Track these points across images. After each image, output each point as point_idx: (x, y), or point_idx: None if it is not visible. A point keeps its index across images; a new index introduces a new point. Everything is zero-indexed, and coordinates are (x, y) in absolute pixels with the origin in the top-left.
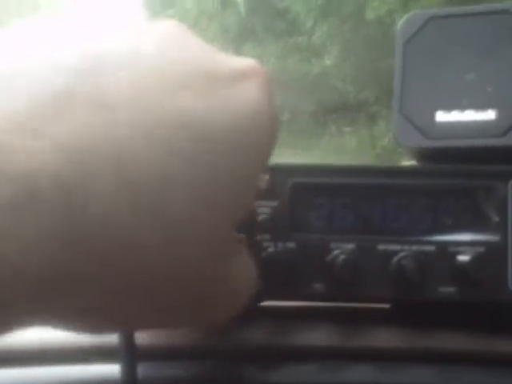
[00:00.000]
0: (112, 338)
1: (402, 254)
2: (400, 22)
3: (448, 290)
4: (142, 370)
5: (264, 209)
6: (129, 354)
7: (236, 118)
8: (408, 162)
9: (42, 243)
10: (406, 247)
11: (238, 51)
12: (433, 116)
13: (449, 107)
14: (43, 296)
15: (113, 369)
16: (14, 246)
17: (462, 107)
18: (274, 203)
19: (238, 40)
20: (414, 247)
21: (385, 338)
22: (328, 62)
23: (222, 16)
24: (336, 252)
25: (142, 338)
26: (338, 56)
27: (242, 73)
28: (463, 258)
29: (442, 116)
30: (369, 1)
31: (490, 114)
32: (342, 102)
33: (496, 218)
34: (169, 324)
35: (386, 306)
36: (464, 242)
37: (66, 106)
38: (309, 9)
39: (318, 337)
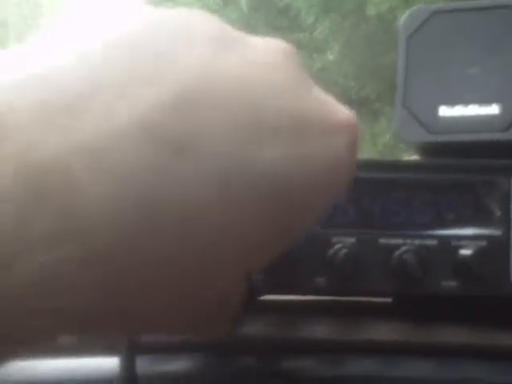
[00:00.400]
0: None
1: (403, 249)
2: (403, 17)
3: (450, 284)
4: (141, 363)
5: None
6: (128, 348)
7: (316, 175)
8: (409, 158)
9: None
10: (407, 241)
11: None
12: (436, 111)
13: (452, 102)
14: (57, 311)
15: (112, 362)
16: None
17: (466, 102)
18: None
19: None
20: (416, 241)
21: (386, 332)
22: (330, 57)
23: (224, 12)
24: (338, 246)
25: None
26: (339, 52)
27: (337, 126)
28: (465, 252)
29: (445, 111)
30: None
31: (493, 109)
32: (343, 98)
33: (498, 213)
34: (172, 331)
35: (388, 299)
36: (466, 236)
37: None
38: (310, 5)
39: (320, 330)
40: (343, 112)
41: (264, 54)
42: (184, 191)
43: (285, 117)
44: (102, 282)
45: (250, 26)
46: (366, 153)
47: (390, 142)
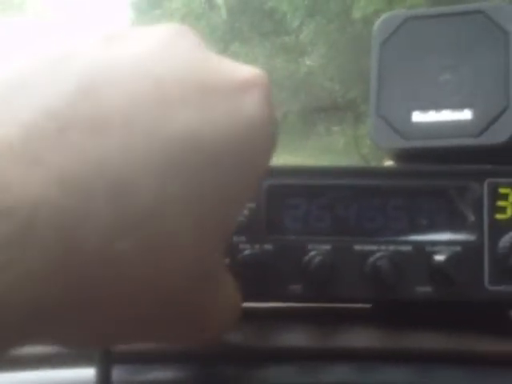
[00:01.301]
0: None
1: (377, 255)
2: (376, 23)
3: (425, 289)
4: (117, 373)
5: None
6: (104, 358)
7: (236, 132)
8: (389, 162)
9: (36, 277)
10: (382, 247)
11: (226, 51)
12: (409, 116)
13: (425, 107)
14: (37, 322)
15: (88, 372)
16: (6, 280)
17: (438, 107)
18: (251, 205)
19: (225, 40)
20: (391, 247)
21: (363, 339)
22: (315, 61)
23: (209, 16)
24: (312, 253)
25: None
26: (325, 55)
27: (244, 84)
28: (440, 257)
29: (418, 116)
30: (355, 0)
31: (465, 114)
32: (329, 101)
33: (472, 218)
34: (157, 340)
35: (365, 305)
36: (440, 241)
37: (63, 131)
38: (295, 8)
39: (297, 338)
40: (249, 71)
41: (158, 36)
42: (110, 167)
43: (188, 85)
44: (70, 292)
45: (234, 29)
46: (352, 155)
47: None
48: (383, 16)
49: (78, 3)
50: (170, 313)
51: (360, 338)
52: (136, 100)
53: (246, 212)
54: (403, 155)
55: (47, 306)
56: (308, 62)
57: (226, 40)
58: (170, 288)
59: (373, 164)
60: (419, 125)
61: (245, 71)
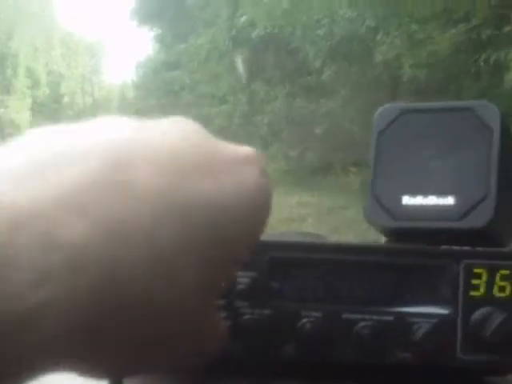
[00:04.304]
0: None
1: (362, 324)
2: (376, 114)
3: (404, 355)
4: None
5: (243, 279)
6: None
7: (239, 196)
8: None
9: (78, 307)
10: (366, 317)
11: (246, 89)
12: (400, 199)
13: (414, 192)
14: (62, 344)
15: None
16: (52, 314)
17: (426, 192)
18: (253, 274)
19: (247, 77)
20: (375, 317)
21: None
22: (335, 102)
23: (233, 54)
24: (304, 320)
25: None
26: (345, 97)
27: (245, 158)
28: (418, 327)
29: (408, 200)
30: (377, 44)
31: (449, 200)
32: (348, 141)
33: (448, 294)
34: (148, 365)
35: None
36: (420, 313)
37: (105, 191)
38: (317, 49)
39: None
40: (246, 148)
41: (170, 124)
42: (144, 222)
43: (200, 157)
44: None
45: (258, 67)
46: (366, 196)
47: None
48: (382, 107)
49: (104, 36)
50: (172, 338)
51: None
52: (161, 172)
53: (248, 280)
54: (394, 233)
55: (76, 327)
56: (328, 103)
57: (248, 78)
58: (177, 319)
59: None
60: (408, 207)
61: (245, 149)
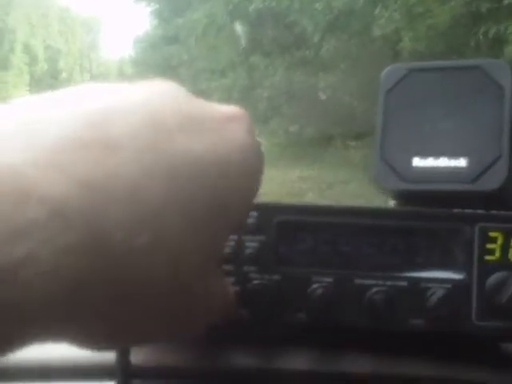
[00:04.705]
0: (109, 357)
1: (375, 289)
2: (383, 73)
3: (418, 322)
4: None
5: (251, 243)
6: (124, 372)
7: (227, 153)
8: (392, 202)
9: (65, 267)
10: (379, 282)
11: (245, 62)
12: (410, 161)
13: (425, 154)
14: (61, 315)
15: None
16: (38, 270)
17: (437, 154)
18: (261, 238)
19: (245, 51)
20: (388, 282)
21: (362, 363)
22: (334, 76)
23: (230, 27)
24: (315, 285)
25: (136, 358)
26: (344, 71)
27: (228, 116)
28: (432, 293)
29: (418, 162)
30: (375, 18)
31: (461, 162)
32: (348, 116)
33: (462, 258)
34: (151, 334)
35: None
36: (433, 279)
37: (81, 149)
38: (316, 24)
39: (301, 362)
40: (232, 107)
41: (150, 85)
42: (126, 175)
43: (181, 116)
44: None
45: (255, 41)
46: (367, 170)
47: None
48: (389, 67)
49: (101, 11)
50: (170, 305)
51: (359, 363)
52: (139, 129)
53: (256, 244)
54: (403, 197)
55: (72, 299)
56: (327, 77)
57: (247, 52)
58: (176, 281)
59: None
60: (419, 169)
61: (228, 107)
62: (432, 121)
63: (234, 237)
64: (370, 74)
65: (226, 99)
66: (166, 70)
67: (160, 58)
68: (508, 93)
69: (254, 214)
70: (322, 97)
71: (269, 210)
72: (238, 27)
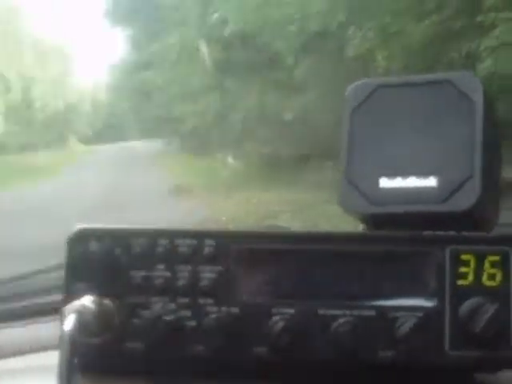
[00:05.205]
0: None
1: (340, 320)
2: (348, 89)
3: (387, 354)
4: None
5: (207, 274)
6: None
7: None
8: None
9: None
10: (345, 312)
11: (219, 86)
12: (377, 182)
13: (392, 174)
14: None
15: None
16: None
17: (405, 174)
18: (218, 268)
19: (218, 74)
20: (354, 312)
21: None
22: (308, 98)
23: (204, 51)
24: (276, 318)
25: None
26: (318, 92)
27: None
28: (402, 322)
29: (385, 182)
30: (349, 39)
31: (431, 181)
32: (323, 136)
33: (433, 284)
34: None
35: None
36: (403, 307)
37: None
38: (289, 45)
39: None
40: None
41: None
42: None
43: None
44: None
45: (229, 62)
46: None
47: None
48: (355, 83)
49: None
50: None
51: None
52: None
53: (213, 275)
54: (371, 220)
55: None
56: (301, 98)
57: (219, 75)
58: None
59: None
60: (386, 190)
61: None
62: (400, 139)
63: (188, 267)
64: (343, 95)
65: (200, 124)
66: (141, 95)
67: (135, 83)
68: (479, 107)
69: (211, 242)
70: (288, 117)
71: (226, 238)
72: (203, 47)
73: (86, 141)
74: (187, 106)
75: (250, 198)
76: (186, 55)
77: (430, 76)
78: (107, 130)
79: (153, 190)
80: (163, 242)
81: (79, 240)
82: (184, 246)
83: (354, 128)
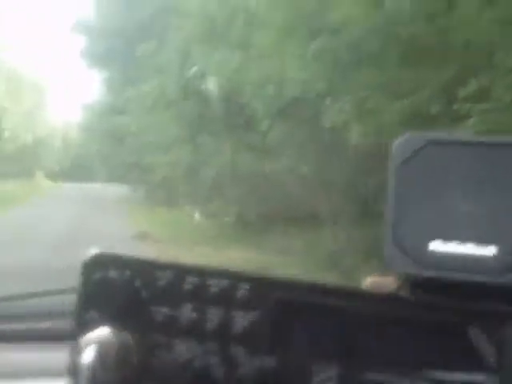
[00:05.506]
0: None
1: None
2: (395, 143)
3: None
4: None
5: (241, 320)
6: None
7: None
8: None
9: None
10: (394, 380)
11: (192, 141)
12: (427, 245)
13: (445, 237)
14: None
15: None
16: None
17: (459, 239)
18: (254, 314)
19: (193, 128)
20: (404, 381)
21: None
22: (280, 162)
23: (182, 103)
24: (317, 378)
25: None
26: (291, 159)
27: None
28: None
29: (436, 246)
30: (326, 108)
31: (489, 250)
32: (290, 204)
33: (490, 361)
34: None
35: None
36: (456, 381)
37: None
38: (266, 109)
39: None
40: None
41: None
42: None
43: None
44: None
45: (205, 119)
46: (311, 257)
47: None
48: (405, 135)
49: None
50: None
51: None
52: None
53: (247, 322)
54: (418, 285)
55: None
56: (273, 164)
57: (194, 129)
58: None
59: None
60: (437, 254)
61: None
62: (453, 200)
63: (220, 310)
64: (316, 164)
65: (170, 175)
66: (113, 139)
67: (107, 126)
68: None
69: (246, 286)
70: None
71: (265, 285)
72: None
73: (53, 177)
74: (159, 156)
75: (212, 254)
76: (162, 104)
77: (490, 138)
78: (75, 170)
79: (117, 233)
80: (193, 279)
81: (96, 265)
82: (216, 286)
83: (402, 185)
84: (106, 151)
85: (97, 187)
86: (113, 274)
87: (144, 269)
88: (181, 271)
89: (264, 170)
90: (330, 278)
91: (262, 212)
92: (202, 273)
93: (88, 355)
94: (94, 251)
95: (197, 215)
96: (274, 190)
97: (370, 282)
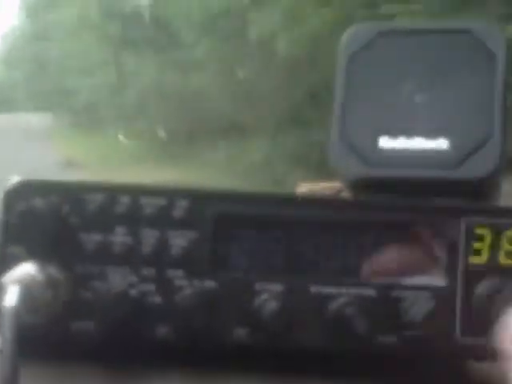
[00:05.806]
0: None
1: (341, 300)
2: (344, 35)
3: (389, 340)
4: None
5: (179, 240)
6: None
7: None
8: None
9: None
10: (342, 291)
11: (116, 60)
12: (376, 142)
13: (395, 132)
14: None
15: None
16: None
17: (411, 133)
18: (192, 234)
19: (118, 50)
20: (352, 291)
21: None
22: (206, 78)
23: (104, 25)
24: (262, 296)
25: None
26: (217, 73)
27: None
28: (408, 304)
29: (386, 142)
30: (252, 20)
31: (441, 143)
32: (218, 119)
33: (444, 261)
34: None
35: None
36: (408, 286)
37: None
38: (190, 24)
39: None
40: None
41: None
42: None
43: None
44: None
45: (128, 42)
46: (234, 170)
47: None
48: (354, 27)
49: None
50: None
51: None
52: None
53: (185, 242)
54: (368, 185)
55: None
56: (199, 79)
57: (118, 51)
58: None
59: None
60: (387, 151)
61: None
62: (405, 93)
63: (156, 232)
64: (243, 76)
65: (95, 99)
66: (35, 67)
67: (29, 54)
68: (501, 61)
69: (183, 203)
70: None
71: (203, 199)
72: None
73: None
74: (82, 79)
75: (141, 174)
76: (84, 29)
77: (446, 23)
78: None
79: (39, 162)
80: (125, 200)
81: (19, 194)
82: (150, 205)
83: (350, 80)
84: (29, 79)
85: (22, 118)
86: (38, 202)
87: (71, 193)
88: (112, 192)
89: (191, 85)
90: (253, 186)
91: (189, 128)
92: (134, 192)
93: (11, 297)
94: (15, 178)
95: (121, 137)
96: (202, 104)
97: (301, 189)
